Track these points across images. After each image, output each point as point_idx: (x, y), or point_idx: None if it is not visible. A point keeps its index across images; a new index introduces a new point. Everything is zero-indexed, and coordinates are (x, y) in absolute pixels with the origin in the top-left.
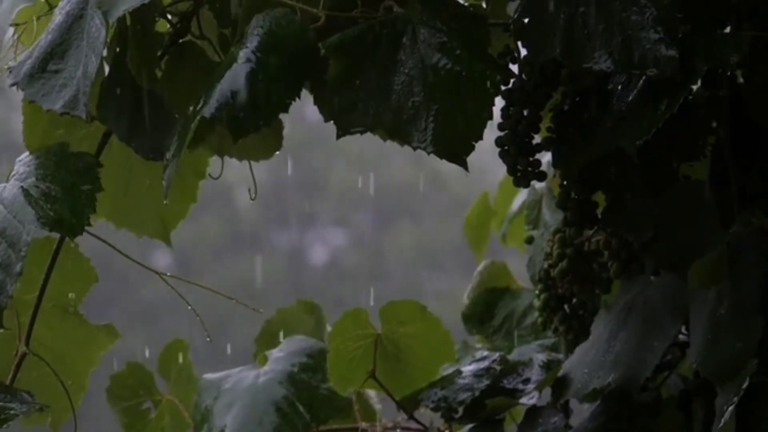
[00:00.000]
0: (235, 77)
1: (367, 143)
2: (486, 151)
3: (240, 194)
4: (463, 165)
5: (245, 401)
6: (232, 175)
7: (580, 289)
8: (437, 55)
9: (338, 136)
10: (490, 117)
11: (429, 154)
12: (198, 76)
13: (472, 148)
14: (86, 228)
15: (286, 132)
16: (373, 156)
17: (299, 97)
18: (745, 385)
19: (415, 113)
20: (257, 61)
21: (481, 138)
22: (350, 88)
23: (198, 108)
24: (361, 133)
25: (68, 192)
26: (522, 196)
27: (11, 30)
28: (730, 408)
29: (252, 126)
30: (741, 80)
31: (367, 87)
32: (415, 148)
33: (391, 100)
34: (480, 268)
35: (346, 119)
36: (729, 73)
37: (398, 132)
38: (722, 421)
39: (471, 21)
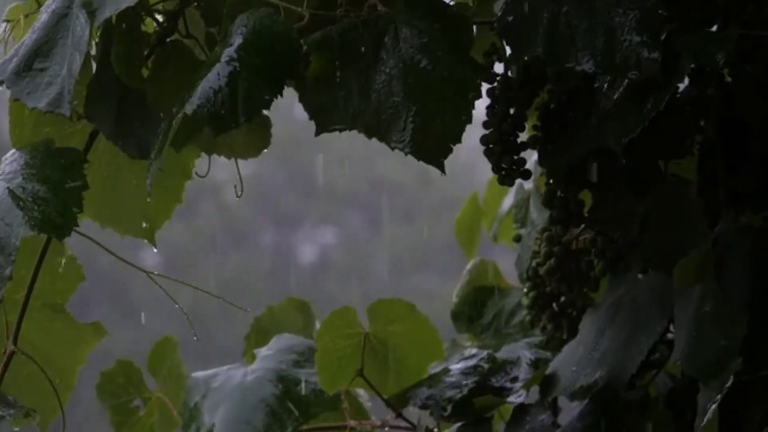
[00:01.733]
0: (218, 76)
1: (356, 142)
2: (475, 150)
3: (229, 193)
4: (440, 167)
5: (234, 400)
6: (222, 173)
7: (568, 288)
8: (418, 56)
9: (317, 134)
10: (470, 120)
11: (407, 155)
12: (185, 75)
13: (450, 150)
14: (75, 227)
15: (274, 130)
16: (363, 155)
17: (281, 95)
18: (729, 384)
19: (395, 113)
20: (240, 60)
21: (459, 141)
22: (331, 85)
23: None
24: (340, 131)
25: (55, 191)
26: (511, 194)
27: (1, 27)
28: (714, 406)
29: (233, 122)
30: (728, 79)
31: (347, 85)
32: (393, 149)
33: (371, 99)
34: (469, 266)
35: (325, 117)
36: (717, 72)
37: (377, 131)
38: (705, 419)
39: (454, 22)
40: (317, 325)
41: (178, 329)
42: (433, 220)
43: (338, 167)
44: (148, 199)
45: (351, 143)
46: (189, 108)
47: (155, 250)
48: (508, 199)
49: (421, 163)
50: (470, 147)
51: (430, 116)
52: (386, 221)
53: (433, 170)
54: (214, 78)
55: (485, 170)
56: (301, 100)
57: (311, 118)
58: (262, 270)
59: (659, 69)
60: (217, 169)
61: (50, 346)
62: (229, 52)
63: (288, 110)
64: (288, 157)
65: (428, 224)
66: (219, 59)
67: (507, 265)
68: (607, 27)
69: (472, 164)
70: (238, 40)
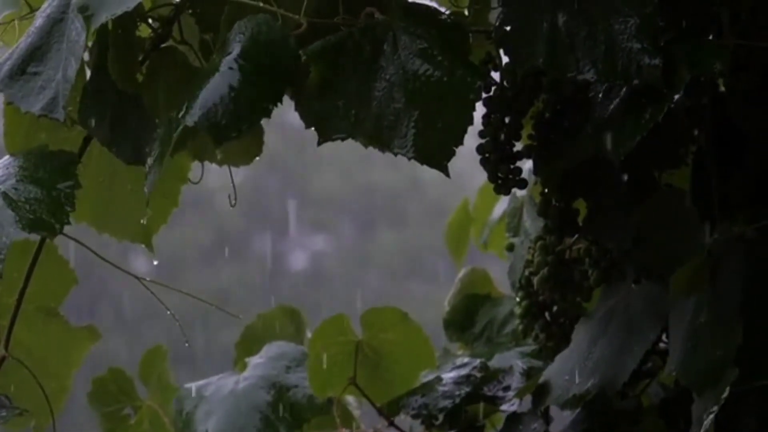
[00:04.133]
0: (218, 85)
1: (348, 149)
2: (466, 157)
3: (221, 200)
4: (444, 171)
5: (226, 407)
6: (214, 180)
7: (561, 297)
8: (418, 62)
9: (319, 143)
10: (471, 122)
11: (410, 159)
12: (179, 81)
13: (453, 153)
14: (67, 232)
15: (266, 137)
16: (354, 161)
17: (281, 102)
18: (725, 395)
19: (396, 120)
20: (239, 68)
21: (461, 143)
22: (331, 94)
23: (180, 115)
24: (342, 139)
25: (47, 191)
26: (503, 202)
27: None
28: (711, 417)
29: (233, 131)
30: (722, 88)
31: (347, 93)
32: (396, 154)
33: (371, 107)
34: (461, 274)
35: (326, 125)
36: (711, 82)
37: (379, 138)
38: (702, 429)
39: (451, 27)
40: (308, 333)
41: (169, 336)
42: (426, 226)
43: (329, 174)
44: (147, 206)
45: (342, 149)
46: (190, 120)
47: (149, 255)
48: (499, 207)
49: (413, 170)
50: (461, 154)
51: (432, 120)
52: (378, 228)
53: (424, 177)
54: (214, 87)
55: (476, 177)
56: (297, 108)
57: (309, 126)
58: (253, 277)
59: (660, 76)
60: (207, 176)
61: (44, 350)
62: (227, 60)
63: (280, 117)
64: (278, 164)
65: (420, 231)
66: (218, 68)
67: (498, 274)
68: (606, 35)
69: (463, 171)
70: (236, 48)
